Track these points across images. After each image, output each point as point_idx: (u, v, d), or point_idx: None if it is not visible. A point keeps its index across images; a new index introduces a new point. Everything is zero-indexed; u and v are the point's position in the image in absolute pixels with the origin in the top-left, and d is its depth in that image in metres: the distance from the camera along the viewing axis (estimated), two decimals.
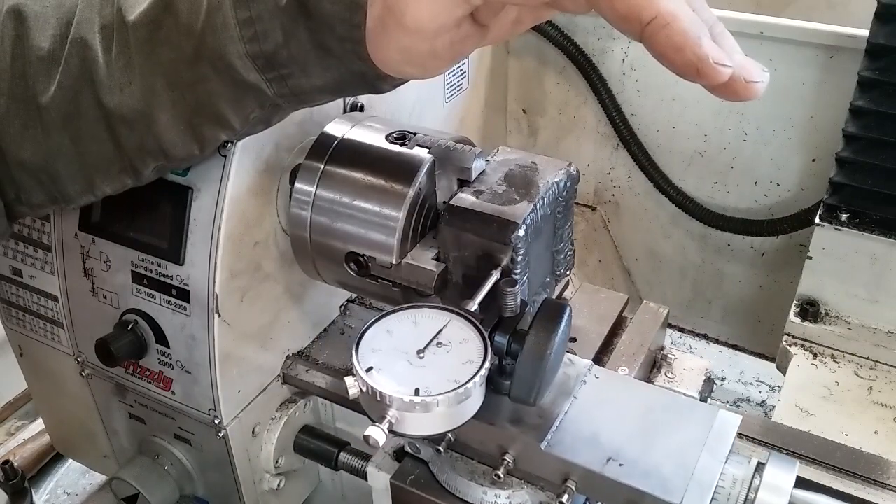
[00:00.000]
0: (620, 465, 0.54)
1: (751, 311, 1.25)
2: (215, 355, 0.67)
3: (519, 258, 0.58)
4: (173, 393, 0.71)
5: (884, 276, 0.89)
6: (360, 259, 0.64)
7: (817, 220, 0.91)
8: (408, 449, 0.61)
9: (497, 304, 0.55)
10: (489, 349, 0.51)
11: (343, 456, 0.76)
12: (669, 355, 0.77)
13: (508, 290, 0.54)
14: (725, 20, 1.13)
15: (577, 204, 1.30)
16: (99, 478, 1.02)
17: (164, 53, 0.54)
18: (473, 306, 0.55)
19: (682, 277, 1.29)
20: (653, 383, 0.74)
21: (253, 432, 0.74)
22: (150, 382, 0.72)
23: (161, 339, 0.69)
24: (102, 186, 0.60)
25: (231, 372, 0.69)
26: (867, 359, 0.89)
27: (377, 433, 0.49)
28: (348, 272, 0.65)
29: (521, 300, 0.55)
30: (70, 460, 1.04)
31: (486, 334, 0.52)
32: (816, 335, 0.91)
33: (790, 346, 0.92)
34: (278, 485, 0.79)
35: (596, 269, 1.31)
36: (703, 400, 0.73)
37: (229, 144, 0.62)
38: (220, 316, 0.66)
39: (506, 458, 0.56)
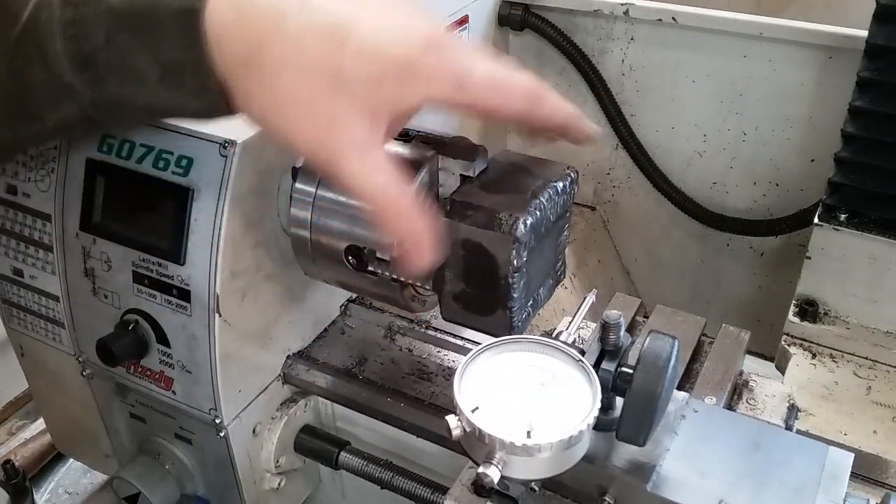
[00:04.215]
0: None
1: (750, 311, 1.25)
2: (216, 355, 0.67)
3: (519, 255, 0.58)
4: (174, 392, 0.71)
5: (882, 276, 0.89)
6: (360, 253, 0.64)
7: (816, 220, 0.91)
8: (495, 485, 0.59)
9: (600, 336, 0.53)
10: (598, 388, 0.49)
11: (343, 455, 0.76)
12: (750, 381, 0.74)
13: (613, 322, 0.52)
14: (725, 20, 1.14)
15: (577, 204, 1.30)
16: (100, 477, 1.02)
17: None
18: (570, 337, 0.53)
19: (681, 277, 1.29)
20: (735, 411, 0.71)
21: (253, 432, 0.75)
22: (150, 382, 0.72)
23: (162, 338, 0.69)
24: None
25: (232, 372, 0.69)
26: (866, 358, 0.89)
27: (492, 471, 0.46)
28: (348, 269, 0.65)
29: (625, 332, 0.53)
30: (71, 460, 1.04)
31: (593, 371, 0.50)
32: (815, 335, 0.92)
33: (789, 345, 0.92)
34: (279, 484, 0.79)
35: (596, 269, 1.31)
36: (789, 428, 0.70)
37: (228, 144, 0.62)
38: (220, 316, 0.66)
39: (606, 498, 0.53)
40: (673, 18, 1.09)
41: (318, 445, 0.78)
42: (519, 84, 0.53)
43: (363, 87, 0.49)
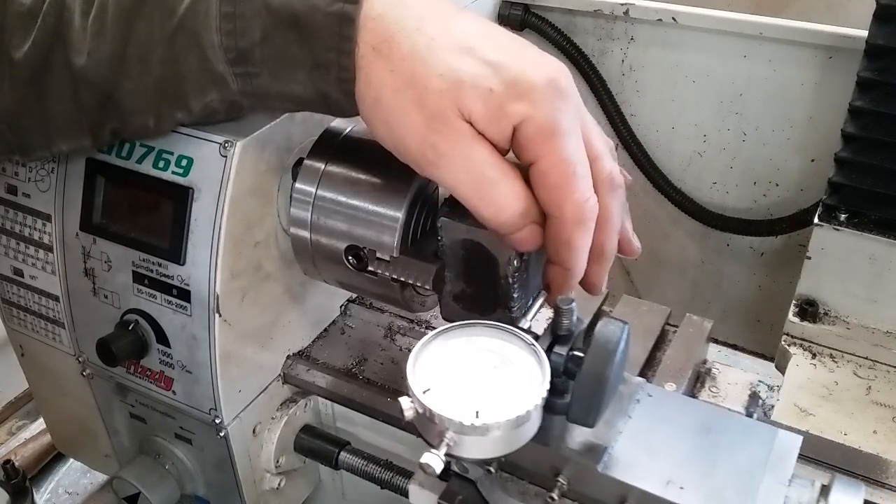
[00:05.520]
0: (680, 487, 0.52)
1: (750, 310, 1.25)
2: (216, 355, 0.67)
3: (519, 255, 0.58)
4: (174, 393, 0.71)
5: (882, 276, 0.89)
6: (360, 252, 0.64)
7: (816, 220, 0.91)
8: (454, 468, 0.59)
9: (552, 320, 0.54)
10: (548, 369, 0.50)
11: (343, 455, 0.76)
12: (713, 369, 0.75)
13: (565, 307, 0.52)
14: (725, 20, 1.14)
15: None
16: (100, 477, 1.02)
17: (140, 27, 0.56)
18: (527, 324, 0.53)
19: (681, 277, 1.29)
20: (697, 398, 0.72)
21: (253, 432, 0.75)
22: (150, 382, 0.72)
23: (162, 338, 0.69)
24: (60, 144, 0.62)
25: (232, 372, 0.69)
26: (866, 358, 0.89)
27: (434, 461, 0.47)
28: (348, 269, 0.65)
29: (578, 317, 0.54)
30: (71, 459, 1.04)
31: (543, 354, 0.51)
32: (815, 335, 0.91)
33: (789, 345, 0.92)
34: (279, 484, 0.79)
35: None
36: (749, 415, 0.71)
37: (228, 145, 0.62)
38: (220, 316, 0.66)
39: (559, 479, 0.54)
40: (673, 18, 1.09)
41: (318, 445, 0.78)
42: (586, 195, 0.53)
43: (474, 89, 0.50)
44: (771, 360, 0.97)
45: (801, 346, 0.91)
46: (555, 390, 0.52)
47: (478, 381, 0.50)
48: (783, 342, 0.92)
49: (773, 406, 0.82)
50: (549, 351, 0.52)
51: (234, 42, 0.54)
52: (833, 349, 0.91)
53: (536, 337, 0.53)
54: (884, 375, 0.87)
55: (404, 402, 0.49)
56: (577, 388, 0.51)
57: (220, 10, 0.53)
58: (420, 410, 0.48)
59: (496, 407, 0.48)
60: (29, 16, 0.57)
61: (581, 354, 0.52)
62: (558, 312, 0.53)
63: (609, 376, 0.50)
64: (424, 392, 0.49)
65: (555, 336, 0.53)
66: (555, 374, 0.51)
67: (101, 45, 0.56)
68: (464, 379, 0.50)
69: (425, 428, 0.49)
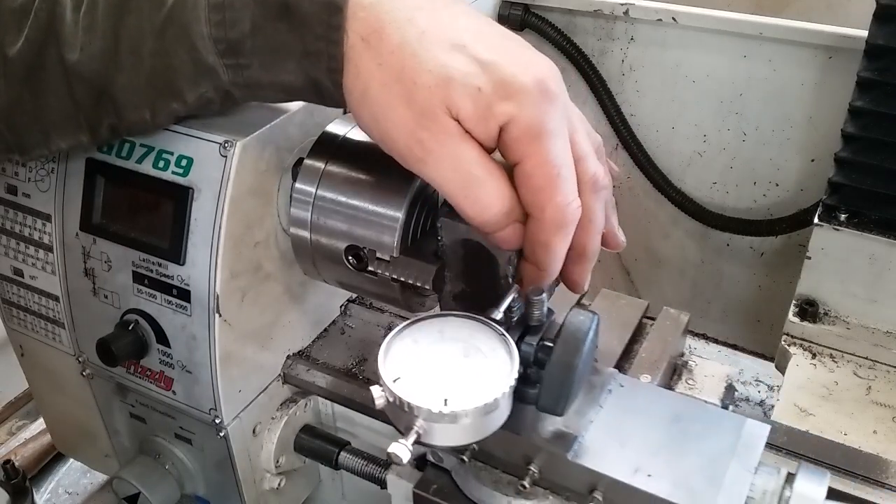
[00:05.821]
0: (648, 475, 0.52)
1: (750, 310, 1.25)
2: (216, 355, 0.67)
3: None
4: (174, 393, 0.71)
5: (883, 276, 0.89)
6: (360, 252, 0.64)
7: (816, 220, 0.91)
8: (430, 458, 0.60)
9: (524, 312, 0.54)
10: (517, 359, 0.51)
11: (343, 455, 0.76)
12: (690, 362, 0.76)
13: (535, 297, 0.53)
14: (725, 20, 1.14)
15: None
16: (100, 477, 1.02)
17: (130, 21, 0.55)
18: (499, 315, 0.54)
19: (681, 277, 1.29)
20: (673, 390, 0.73)
21: (253, 432, 0.75)
22: (150, 382, 0.72)
23: (162, 338, 0.69)
24: (58, 141, 0.61)
25: (232, 372, 0.69)
26: (866, 358, 0.89)
27: (401, 450, 0.48)
28: (348, 269, 0.65)
29: (548, 308, 0.54)
30: (71, 460, 1.04)
31: (513, 343, 0.51)
32: (815, 335, 0.91)
33: (789, 345, 0.92)
34: (279, 484, 0.79)
35: (595, 269, 1.31)
36: (725, 407, 0.72)
37: (228, 144, 0.62)
38: (220, 316, 0.66)
39: (531, 467, 0.55)
40: (673, 18, 1.09)
41: (318, 445, 0.78)
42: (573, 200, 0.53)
43: (463, 87, 0.50)
44: (771, 360, 0.97)
45: (801, 346, 0.91)
46: (527, 380, 0.53)
47: (447, 370, 0.51)
48: (783, 342, 0.92)
49: (773, 406, 0.82)
50: (519, 341, 0.53)
51: (224, 33, 0.54)
52: (833, 349, 0.91)
53: (507, 327, 0.53)
54: (884, 375, 0.87)
55: (375, 390, 0.50)
56: (546, 377, 0.52)
57: (209, 1, 0.53)
58: (390, 399, 0.49)
59: (465, 395, 0.49)
60: (21, 12, 0.57)
61: (550, 344, 0.52)
62: (529, 303, 0.54)
63: (577, 365, 0.51)
64: (395, 381, 0.50)
65: (526, 327, 0.54)
66: (526, 363, 0.52)
67: (93, 39, 0.56)
68: (434, 368, 0.51)
69: (396, 416, 0.50)
